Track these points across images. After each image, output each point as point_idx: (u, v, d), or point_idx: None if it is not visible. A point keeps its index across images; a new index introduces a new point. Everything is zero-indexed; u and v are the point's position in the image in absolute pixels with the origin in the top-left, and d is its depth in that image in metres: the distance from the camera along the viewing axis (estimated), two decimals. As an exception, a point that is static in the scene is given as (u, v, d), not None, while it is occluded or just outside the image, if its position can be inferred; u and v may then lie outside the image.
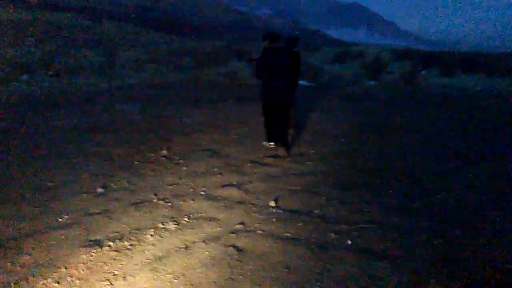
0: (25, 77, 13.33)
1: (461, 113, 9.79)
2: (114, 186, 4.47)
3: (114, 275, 2.82)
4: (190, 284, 2.73)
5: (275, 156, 5.78)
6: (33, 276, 2.78)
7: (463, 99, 12.41)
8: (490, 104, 11.18)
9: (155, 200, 4.10)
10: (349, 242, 3.30)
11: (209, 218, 3.73)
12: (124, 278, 2.79)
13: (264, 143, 6.20)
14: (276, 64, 5.63)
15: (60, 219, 3.64)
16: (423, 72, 21.42)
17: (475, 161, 5.75)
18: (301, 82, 10.01)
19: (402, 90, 14.59)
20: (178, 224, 3.58)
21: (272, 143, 6.10)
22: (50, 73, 14.83)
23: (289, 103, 6.25)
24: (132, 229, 3.46)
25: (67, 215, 3.71)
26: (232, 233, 3.44)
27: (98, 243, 3.23)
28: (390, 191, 4.51)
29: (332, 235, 3.42)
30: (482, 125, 8.40)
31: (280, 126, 5.92)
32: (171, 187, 4.51)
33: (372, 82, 17.18)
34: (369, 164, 5.57)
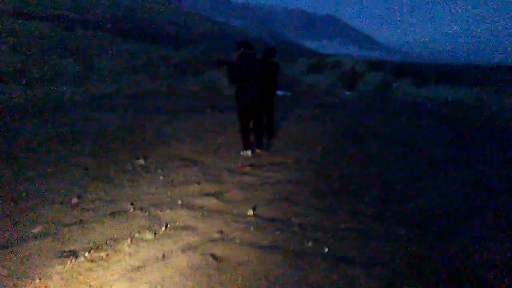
0: (-4, 85, 12.98)
1: (432, 122, 10.06)
2: (90, 196, 4.40)
3: (90, 286, 2.78)
4: (168, 294, 2.71)
5: (252, 165, 5.81)
6: (6, 289, 2.71)
7: (435, 108, 12.76)
8: (460, 114, 11.54)
9: (131, 210, 4.05)
10: (326, 249, 3.34)
11: (187, 227, 3.71)
12: (100, 289, 2.75)
13: (242, 152, 6.45)
14: (248, 69, 6.08)
15: (34, 230, 3.56)
16: (397, 82, 21.93)
17: (447, 168, 5.91)
18: (279, 92, 10.17)
19: (376, 100, 14.89)
20: (155, 234, 3.55)
21: (249, 151, 6.43)
22: (23, 82, 14.51)
23: (264, 108, 6.96)
24: (108, 239, 3.42)
25: (41, 225, 3.63)
26: (210, 242, 3.43)
27: (74, 254, 3.17)
28: (366, 199, 4.59)
29: (310, 243, 3.45)
30: (453, 133, 8.65)
31: (255, 129, 6.50)
32: (148, 196, 4.48)
33: (348, 92, 17.50)
34: (344, 172, 5.66)
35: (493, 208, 4.39)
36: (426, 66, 36.03)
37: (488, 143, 7.84)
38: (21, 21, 25.26)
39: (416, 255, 3.31)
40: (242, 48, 6.21)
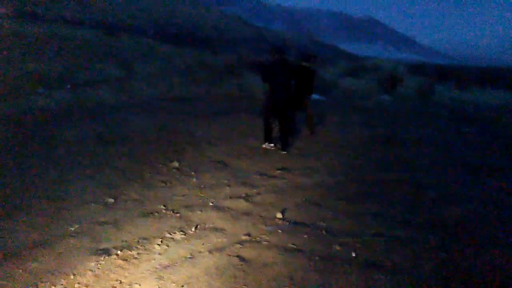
0: (42, 90, 13.66)
1: (473, 127, 9.71)
2: (124, 197, 4.56)
3: (121, 282, 2.89)
4: (194, 293, 2.78)
5: (283, 169, 5.83)
6: (42, 283, 2.86)
7: (477, 113, 12.30)
8: (504, 119, 11.07)
9: (163, 211, 4.17)
10: (353, 254, 3.32)
11: (216, 228, 3.78)
12: (130, 286, 2.85)
13: (263, 145, 7.01)
14: (277, 73, 6.72)
15: (70, 228, 3.73)
16: (438, 86, 21.32)
17: (484, 175, 5.71)
18: (315, 96, 10.15)
19: (416, 104, 14.53)
20: (185, 234, 3.64)
21: (272, 144, 7.04)
22: (68, 86, 15.18)
23: (299, 108, 7.91)
24: (140, 239, 3.53)
25: (76, 224, 3.80)
26: (238, 243, 3.49)
27: (106, 252, 3.30)
28: (396, 204, 4.51)
29: (337, 247, 3.44)
30: (494, 140, 8.32)
31: (280, 130, 7.04)
32: (180, 198, 4.59)
33: (386, 96, 17.15)
34: (376, 176, 5.58)
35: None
36: (470, 68, 34.79)
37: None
38: (66, 27, 26.43)
39: (446, 263, 3.23)
40: (275, 54, 6.80)
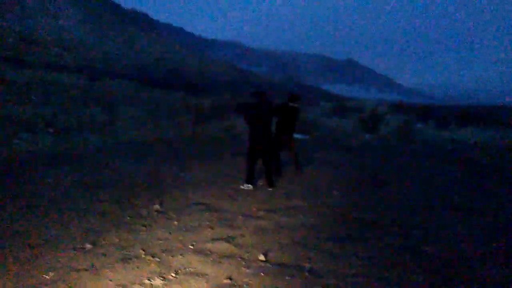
0: (25, 135, 13.54)
1: (454, 165, 9.87)
2: (104, 242, 4.44)
3: (96, 333, 2.76)
4: None
5: (267, 210, 5.79)
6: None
7: (457, 151, 12.54)
8: (482, 157, 11.29)
9: (143, 256, 4.06)
10: (337, 296, 3.25)
11: (197, 273, 3.69)
12: (106, 336, 2.73)
13: (242, 186, 7.09)
14: (259, 115, 7.02)
15: (46, 276, 3.60)
16: (419, 125, 21.79)
17: (468, 214, 5.74)
18: (297, 135, 10.32)
19: (397, 143, 14.76)
20: (164, 280, 3.53)
21: (250, 186, 7.12)
22: (51, 130, 15.09)
23: (285, 146, 8.28)
24: (118, 285, 3.41)
25: (52, 272, 3.66)
26: (219, 288, 3.39)
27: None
28: (381, 244, 4.48)
29: (320, 289, 3.37)
30: (475, 177, 8.45)
31: (265, 168, 7.24)
32: (161, 242, 4.49)
33: (368, 136, 17.43)
34: (362, 216, 5.56)
35: (516, 253, 4.21)
36: (449, 108, 35.74)
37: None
38: (50, 72, 26.60)
39: (432, 302, 3.18)
40: (257, 97, 7.13)
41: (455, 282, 3.54)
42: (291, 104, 8.25)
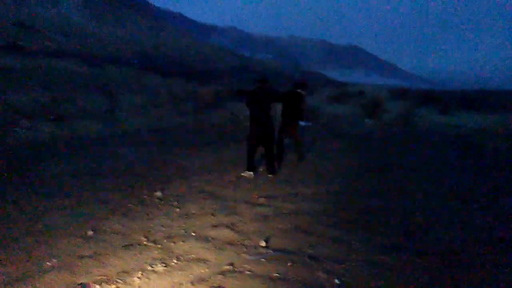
0: (26, 122, 13.54)
1: (457, 151, 9.85)
2: (106, 229, 4.47)
3: (99, 319, 2.79)
4: (174, 327, 2.69)
5: (269, 196, 5.81)
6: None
7: (459, 137, 12.50)
8: (485, 142, 11.26)
9: (145, 242, 4.09)
10: (337, 281, 3.27)
11: (199, 259, 3.71)
12: (108, 322, 2.76)
13: (243, 173, 7.08)
14: (259, 100, 7.00)
15: (49, 263, 3.63)
16: (421, 110, 21.69)
17: (471, 200, 5.74)
18: (301, 122, 10.30)
19: (399, 129, 14.72)
20: (166, 266, 3.56)
21: (251, 172, 7.11)
22: (52, 118, 15.07)
23: (289, 133, 8.25)
24: (120, 272, 3.44)
25: (55, 258, 3.69)
26: (220, 274, 3.41)
27: (85, 286, 3.20)
28: (384, 230, 4.49)
29: (321, 274, 3.39)
30: (478, 163, 8.44)
31: (266, 155, 7.24)
32: (163, 228, 4.51)
33: (370, 122, 17.38)
34: (363, 203, 5.57)
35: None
36: (451, 93, 35.55)
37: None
38: (50, 59, 26.49)
39: None
40: (258, 83, 7.13)
41: (455, 267, 3.55)
42: (298, 90, 8.28)
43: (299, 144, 8.47)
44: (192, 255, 3.79)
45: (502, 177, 7.20)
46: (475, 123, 16.25)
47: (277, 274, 3.40)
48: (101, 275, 3.39)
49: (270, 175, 7.14)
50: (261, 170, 7.50)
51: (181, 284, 3.25)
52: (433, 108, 23.21)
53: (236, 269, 3.51)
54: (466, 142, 11.28)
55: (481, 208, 5.35)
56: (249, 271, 3.47)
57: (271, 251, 3.88)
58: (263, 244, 4.02)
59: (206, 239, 4.19)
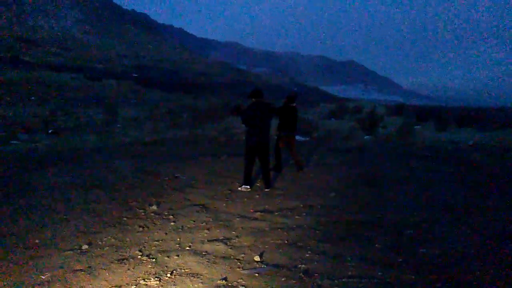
0: (24, 135, 13.57)
1: (452, 166, 9.89)
2: (100, 243, 4.46)
3: (90, 333, 2.78)
4: None
5: (264, 211, 5.82)
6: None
7: (455, 152, 12.56)
8: (480, 158, 11.31)
9: (139, 256, 4.08)
10: (331, 297, 3.27)
11: (192, 274, 3.71)
12: (100, 336, 2.74)
13: (240, 188, 7.10)
14: (256, 115, 7.03)
15: (43, 277, 3.62)
16: (418, 126, 21.82)
17: (462, 214, 5.76)
18: (296, 137, 10.45)
19: (396, 144, 14.78)
20: (160, 281, 3.55)
21: (248, 186, 7.11)
22: (50, 131, 15.13)
23: (287, 144, 8.64)
24: (113, 286, 3.43)
25: (49, 272, 3.68)
26: (214, 288, 3.41)
27: (77, 301, 3.19)
28: (376, 245, 4.50)
29: (314, 290, 3.39)
30: (472, 178, 8.47)
31: (262, 169, 7.32)
32: (157, 242, 4.51)
33: (367, 137, 17.45)
34: (357, 217, 5.58)
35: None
36: (448, 109, 35.79)
37: (510, 189, 7.63)
38: (51, 72, 26.62)
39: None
40: (252, 98, 7.21)
41: (448, 282, 3.56)
42: (290, 104, 8.67)
43: (297, 154, 8.87)
44: (186, 270, 3.79)
45: (493, 192, 7.23)
46: (470, 138, 16.31)
47: (271, 289, 3.40)
48: (94, 289, 3.38)
49: (266, 190, 7.16)
50: (257, 184, 7.52)
51: (174, 298, 3.24)
52: (430, 124, 23.33)
53: (229, 284, 3.50)
54: (460, 158, 11.32)
55: (471, 220, 5.36)
56: (243, 286, 3.47)
57: (265, 266, 3.88)
58: (257, 258, 4.02)
59: (200, 253, 4.19)
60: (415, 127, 20.76)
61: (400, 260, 4.06)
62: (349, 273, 3.74)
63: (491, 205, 6.34)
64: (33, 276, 3.64)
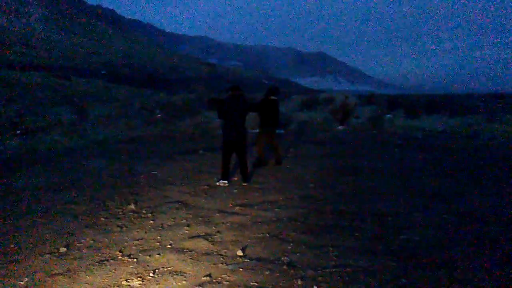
0: (-10, 137, 13.06)
1: (424, 153, 10.14)
2: (78, 245, 4.36)
3: (74, 338, 2.72)
4: None
5: (243, 205, 5.81)
6: None
7: (426, 139, 12.87)
8: (450, 144, 11.64)
9: (120, 257, 4.01)
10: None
11: (176, 272, 3.67)
12: None
13: (218, 183, 7.09)
14: (233, 108, 7.01)
15: (21, 282, 3.51)
16: (389, 115, 22.21)
17: (440, 200, 5.92)
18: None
19: (369, 134, 15.03)
20: (143, 281, 3.50)
21: (226, 181, 7.10)
22: (18, 132, 14.62)
23: (268, 136, 8.57)
24: (95, 288, 3.36)
25: (28, 277, 3.57)
26: (198, 286, 3.39)
27: (59, 305, 3.11)
28: (357, 233, 4.57)
29: (299, 281, 3.41)
30: (444, 164, 8.71)
31: (240, 163, 7.26)
32: (137, 242, 4.44)
33: (340, 127, 17.65)
34: (337, 207, 5.65)
35: (488, 239, 4.38)
36: (417, 97, 36.59)
37: (481, 173, 7.89)
38: (16, 71, 25.74)
39: (407, 288, 3.27)
40: (230, 91, 7.18)
41: (428, 267, 3.65)
42: (271, 97, 8.56)
43: (277, 148, 8.84)
44: (169, 268, 3.75)
45: (465, 177, 7.46)
46: (440, 126, 16.75)
47: (255, 283, 3.40)
48: (75, 293, 3.31)
49: (244, 184, 7.15)
50: (235, 179, 7.50)
51: (158, 297, 3.20)
52: (400, 112, 23.79)
53: (214, 280, 3.48)
54: (431, 145, 11.61)
55: (447, 207, 5.51)
56: (227, 281, 3.46)
57: (248, 260, 3.88)
58: (240, 253, 4.02)
59: (182, 251, 4.15)
60: (387, 116, 21.14)
61: (382, 247, 4.13)
62: (332, 263, 3.79)
63: (464, 190, 6.54)
64: (12, 281, 3.52)
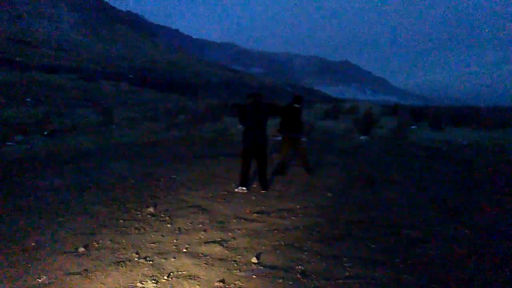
0: (19, 137, 13.50)
1: (447, 166, 9.93)
2: (96, 245, 4.45)
3: (87, 337, 2.77)
4: None
5: (260, 212, 5.81)
6: None
7: (450, 152, 12.61)
8: (475, 158, 11.37)
9: (136, 259, 4.07)
10: (328, 298, 3.28)
11: (190, 276, 3.70)
12: None
13: (236, 189, 7.06)
14: (254, 116, 7.03)
15: (39, 280, 3.60)
16: (413, 126, 21.87)
17: (458, 214, 5.79)
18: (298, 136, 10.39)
19: (391, 144, 14.82)
20: (157, 283, 3.54)
21: (244, 188, 7.09)
22: (45, 132, 15.04)
23: (293, 143, 8.43)
24: (110, 289, 3.42)
25: (45, 275, 3.67)
26: (211, 291, 3.41)
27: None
28: (373, 245, 4.51)
29: (312, 291, 3.39)
30: (467, 178, 8.51)
31: (259, 170, 7.22)
32: (154, 244, 4.50)
33: (363, 137, 17.48)
34: (354, 217, 5.59)
35: (508, 256, 4.26)
36: (443, 109, 35.91)
37: (503, 188, 7.67)
38: (46, 74, 26.50)
39: (421, 304, 3.21)
40: (252, 98, 7.18)
41: (444, 282, 3.57)
42: (295, 105, 8.53)
43: (304, 156, 8.73)
44: (183, 272, 3.79)
45: (487, 192, 7.27)
46: (465, 138, 16.38)
47: (268, 291, 3.40)
48: (91, 292, 3.37)
49: (263, 191, 7.15)
50: (254, 185, 7.51)
51: (171, 301, 3.23)
52: (424, 123, 23.40)
53: (227, 286, 3.50)
54: (455, 157, 11.37)
55: (467, 221, 5.38)
56: (240, 287, 3.47)
57: (262, 268, 3.89)
58: (254, 260, 4.02)
59: (197, 255, 4.18)
60: (411, 127, 20.82)
61: (397, 260, 4.07)
62: (346, 273, 3.75)
63: (486, 204, 6.37)
64: (30, 279, 3.62)
